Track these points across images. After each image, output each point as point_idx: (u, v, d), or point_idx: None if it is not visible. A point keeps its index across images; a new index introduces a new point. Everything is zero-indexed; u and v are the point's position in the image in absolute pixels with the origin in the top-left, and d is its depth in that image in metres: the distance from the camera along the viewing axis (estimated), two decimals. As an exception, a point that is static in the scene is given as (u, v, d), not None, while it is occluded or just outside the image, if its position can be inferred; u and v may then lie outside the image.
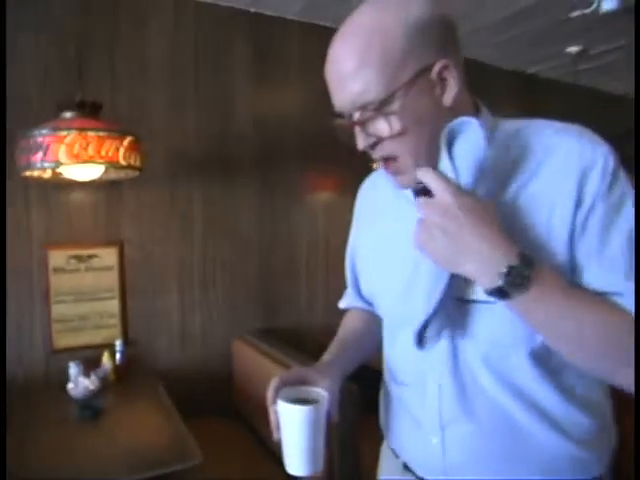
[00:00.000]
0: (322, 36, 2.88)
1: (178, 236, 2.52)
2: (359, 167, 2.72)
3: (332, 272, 2.90)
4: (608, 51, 3.50)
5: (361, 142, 0.71)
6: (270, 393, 0.77)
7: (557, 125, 0.73)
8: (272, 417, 0.78)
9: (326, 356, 0.92)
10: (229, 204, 2.64)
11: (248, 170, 2.69)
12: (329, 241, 2.91)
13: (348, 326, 1.03)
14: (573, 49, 3.39)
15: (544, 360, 0.71)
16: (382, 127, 0.69)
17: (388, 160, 0.73)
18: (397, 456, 0.90)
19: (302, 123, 2.85)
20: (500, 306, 0.65)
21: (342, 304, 1.09)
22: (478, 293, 0.69)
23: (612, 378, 0.66)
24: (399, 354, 0.87)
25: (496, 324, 0.71)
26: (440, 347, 0.76)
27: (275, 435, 0.78)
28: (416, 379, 0.82)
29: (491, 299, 0.64)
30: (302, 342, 2.69)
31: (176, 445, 1.63)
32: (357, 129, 0.71)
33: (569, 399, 0.73)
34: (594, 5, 2.05)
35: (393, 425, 0.91)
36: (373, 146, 0.72)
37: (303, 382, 0.80)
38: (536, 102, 4.02)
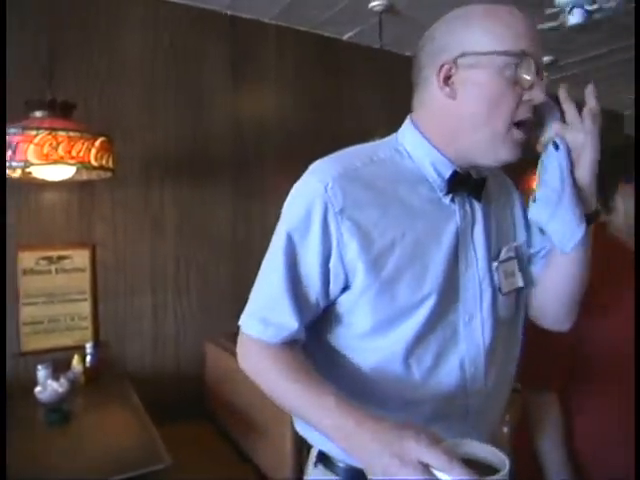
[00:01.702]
0: (299, 40, 2.93)
1: (151, 238, 2.50)
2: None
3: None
4: (577, 62, 3.61)
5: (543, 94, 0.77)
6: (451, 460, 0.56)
7: None
8: None
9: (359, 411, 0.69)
10: (203, 206, 2.64)
11: (223, 172, 2.69)
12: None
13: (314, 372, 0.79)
14: (544, 59, 3.47)
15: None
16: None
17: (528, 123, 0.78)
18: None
19: (279, 126, 2.86)
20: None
21: (276, 338, 0.80)
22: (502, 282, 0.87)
23: None
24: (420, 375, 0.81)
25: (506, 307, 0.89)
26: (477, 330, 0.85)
27: None
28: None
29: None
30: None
31: (145, 448, 1.62)
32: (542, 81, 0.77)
33: None
34: (561, 19, 2.12)
35: None
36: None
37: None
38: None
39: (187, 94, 2.59)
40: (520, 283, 0.90)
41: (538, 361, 1.13)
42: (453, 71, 0.76)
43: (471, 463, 0.57)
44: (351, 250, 0.77)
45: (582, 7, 1.98)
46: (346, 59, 3.11)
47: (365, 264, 0.76)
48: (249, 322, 0.84)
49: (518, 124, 0.76)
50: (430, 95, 0.80)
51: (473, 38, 0.74)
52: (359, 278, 0.77)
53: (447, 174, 0.81)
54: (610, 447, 1.12)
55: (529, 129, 0.78)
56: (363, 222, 0.77)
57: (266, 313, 0.82)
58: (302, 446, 0.92)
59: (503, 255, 0.88)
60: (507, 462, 0.57)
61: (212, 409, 2.45)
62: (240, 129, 2.75)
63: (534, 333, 1.17)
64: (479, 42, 0.74)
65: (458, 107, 0.77)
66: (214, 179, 2.67)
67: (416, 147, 0.83)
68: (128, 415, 1.90)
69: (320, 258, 0.78)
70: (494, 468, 0.58)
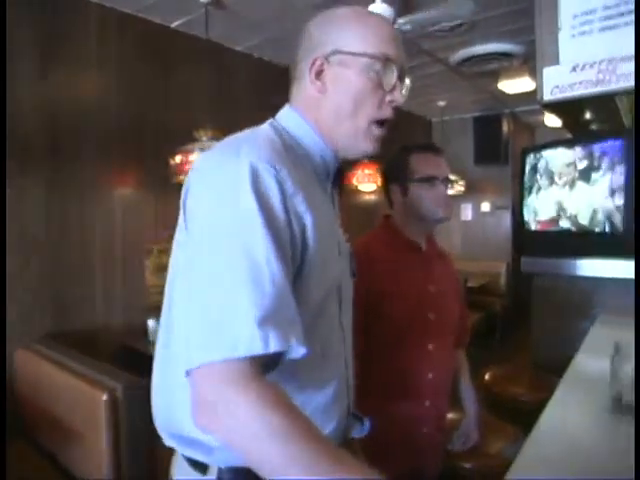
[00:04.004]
0: (123, 25, 2.77)
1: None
2: (157, 163, 2.67)
3: (130, 269, 2.80)
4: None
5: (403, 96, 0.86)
6: None
7: None
8: None
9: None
10: (11, 202, 2.33)
11: (33, 162, 2.42)
12: (126, 238, 2.78)
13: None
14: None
15: None
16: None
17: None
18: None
19: (100, 115, 2.68)
20: None
21: (295, 340, 0.64)
22: None
23: None
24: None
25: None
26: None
27: None
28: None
29: None
30: (101, 343, 2.56)
31: None
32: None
33: None
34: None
35: None
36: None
37: None
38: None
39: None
40: None
41: None
42: (325, 67, 0.82)
43: None
44: (304, 238, 0.73)
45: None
46: (174, 48, 3.03)
47: (312, 253, 0.74)
48: (255, 337, 0.60)
49: (379, 122, 0.84)
50: (303, 88, 0.85)
51: (345, 38, 0.81)
52: (308, 266, 0.74)
53: (333, 168, 0.88)
54: (390, 401, 1.32)
55: (387, 127, 0.86)
56: (307, 210, 0.73)
57: (277, 311, 0.63)
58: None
59: (347, 237, 0.95)
60: None
61: (28, 424, 2.21)
62: (54, 116, 2.50)
63: None
64: (350, 43, 0.81)
65: (327, 101, 0.83)
66: (23, 169, 2.38)
67: (304, 136, 0.85)
68: None
69: (289, 240, 0.70)
70: None
